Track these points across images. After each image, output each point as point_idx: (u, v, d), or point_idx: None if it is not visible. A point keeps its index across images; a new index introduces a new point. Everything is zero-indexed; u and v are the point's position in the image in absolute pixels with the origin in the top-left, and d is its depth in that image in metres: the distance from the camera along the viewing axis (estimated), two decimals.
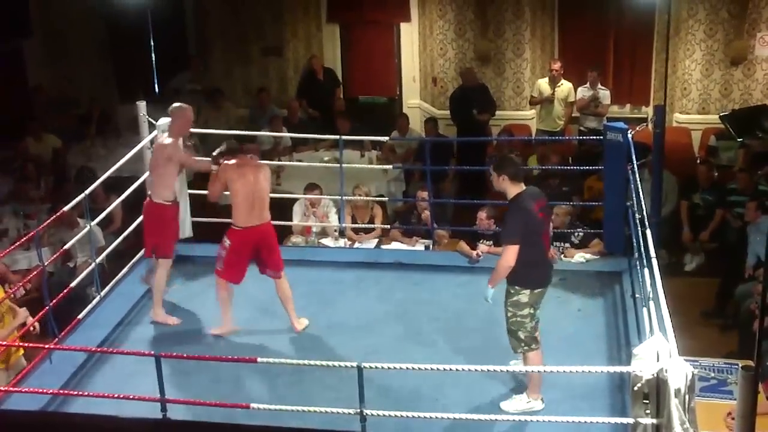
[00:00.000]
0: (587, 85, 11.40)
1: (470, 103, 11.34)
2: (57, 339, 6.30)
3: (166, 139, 6.70)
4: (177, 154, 6.62)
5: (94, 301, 7.01)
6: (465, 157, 10.76)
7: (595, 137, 9.98)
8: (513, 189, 5.57)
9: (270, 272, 6.68)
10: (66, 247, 7.31)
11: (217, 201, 6.86)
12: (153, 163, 6.75)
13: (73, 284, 6.77)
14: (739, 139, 10.53)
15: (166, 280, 6.84)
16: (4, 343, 6.10)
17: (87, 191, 7.01)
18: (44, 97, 12.66)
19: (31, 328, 6.45)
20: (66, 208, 7.06)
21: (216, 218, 8.33)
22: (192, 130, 9.38)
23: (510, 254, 5.44)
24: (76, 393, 5.78)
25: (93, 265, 7.05)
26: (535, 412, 5.55)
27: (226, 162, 6.50)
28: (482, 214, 7.96)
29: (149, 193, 6.79)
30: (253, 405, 5.19)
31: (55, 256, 7.44)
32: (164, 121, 7.62)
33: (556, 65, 11.42)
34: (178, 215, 6.87)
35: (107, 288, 7.21)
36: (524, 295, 5.57)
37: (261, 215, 6.48)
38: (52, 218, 7.20)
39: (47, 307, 6.24)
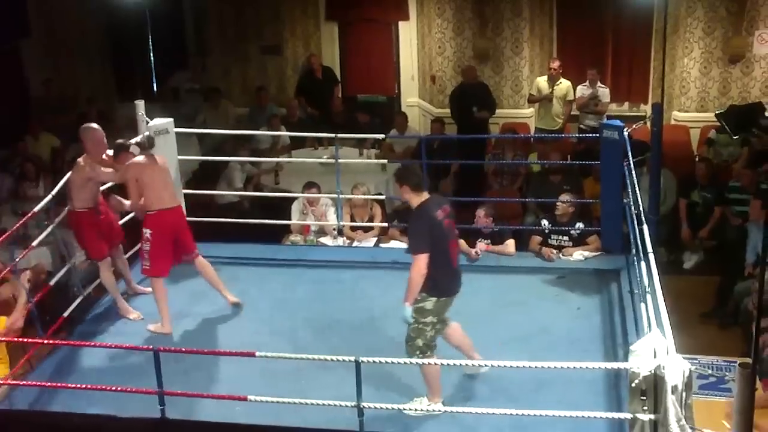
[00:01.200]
0: (587, 83, 11.40)
1: (470, 101, 11.35)
2: (54, 335, 6.30)
3: (83, 160, 6.74)
4: (96, 176, 6.72)
5: (79, 298, 6.98)
6: (464, 156, 10.77)
7: (593, 135, 9.98)
8: (416, 198, 5.57)
9: (185, 257, 6.85)
10: (36, 240, 7.20)
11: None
12: (72, 180, 6.76)
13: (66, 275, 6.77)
14: (734, 137, 10.52)
15: (111, 277, 6.96)
16: (4, 338, 6.10)
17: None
18: (54, 92, 12.64)
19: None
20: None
21: (213, 218, 8.39)
22: (191, 129, 9.45)
23: (421, 264, 5.39)
24: (74, 386, 5.77)
25: (73, 263, 7.02)
26: (532, 407, 5.55)
27: (128, 164, 6.65)
28: (481, 213, 7.96)
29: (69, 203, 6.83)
30: (251, 397, 5.20)
31: (25, 251, 7.32)
32: (157, 121, 7.63)
33: (555, 64, 11.43)
34: (99, 218, 6.86)
35: (92, 285, 7.18)
36: (430, 302, 5.51)
37: (172, 199, 6.74)
38: (29, 214, 7.10)
39: (33, 305, 6.24)
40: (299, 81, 12.84)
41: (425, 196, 5.60)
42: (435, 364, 5.54)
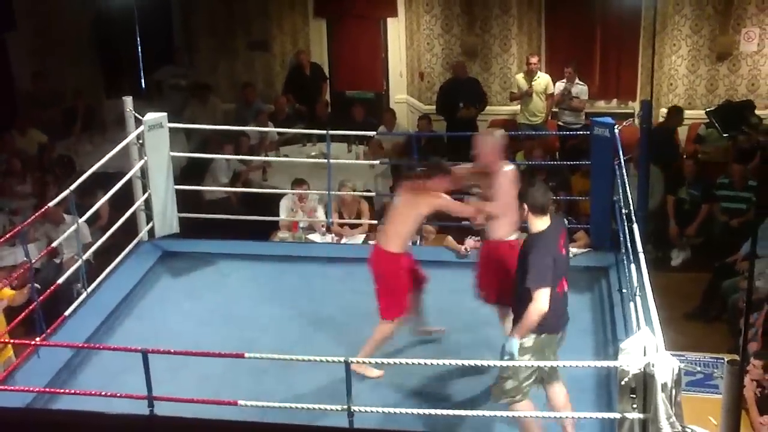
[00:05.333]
0: (564, 80, 11.44)
1: (459, 96, 11.36)
2: (44, 335, 6.26)
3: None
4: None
5: (80, 298, 6.96)
6: (452, 152, 10.76)
7: (575, 132, 10.07)
8: (537, 223, 5.15)
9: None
10: (54, 244, 7.23)
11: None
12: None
13: (60, 281, 6.72)
14: (724, 135, 10.55)
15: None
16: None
17: (72, 186, 6.93)
18: (41, 86, 12.53)
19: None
20: (51, 204, 6.99)
21: (201, 214, 8.35)
22: (180, 125, 9.39)
23: (543, 299, 4.97)
24: (62, 391, 5.74)
25: (80, 261, 6.99)
26: (522, 408, 5.55)
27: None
28: None
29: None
30: (241, 402, 5.18)
31: (42, 253, 7.37)
32: (151, 116, 7.58)
33: (534, 59, 11.47)
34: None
35: (93, 285, 7.16)
36: (529, 339, 5.12)
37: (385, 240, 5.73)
38: (37, 214, 7.12)
39: (34, 303, 6.20)
40: (287, 77, 12.80)
41: (546, 221, 5.11)
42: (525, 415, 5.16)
